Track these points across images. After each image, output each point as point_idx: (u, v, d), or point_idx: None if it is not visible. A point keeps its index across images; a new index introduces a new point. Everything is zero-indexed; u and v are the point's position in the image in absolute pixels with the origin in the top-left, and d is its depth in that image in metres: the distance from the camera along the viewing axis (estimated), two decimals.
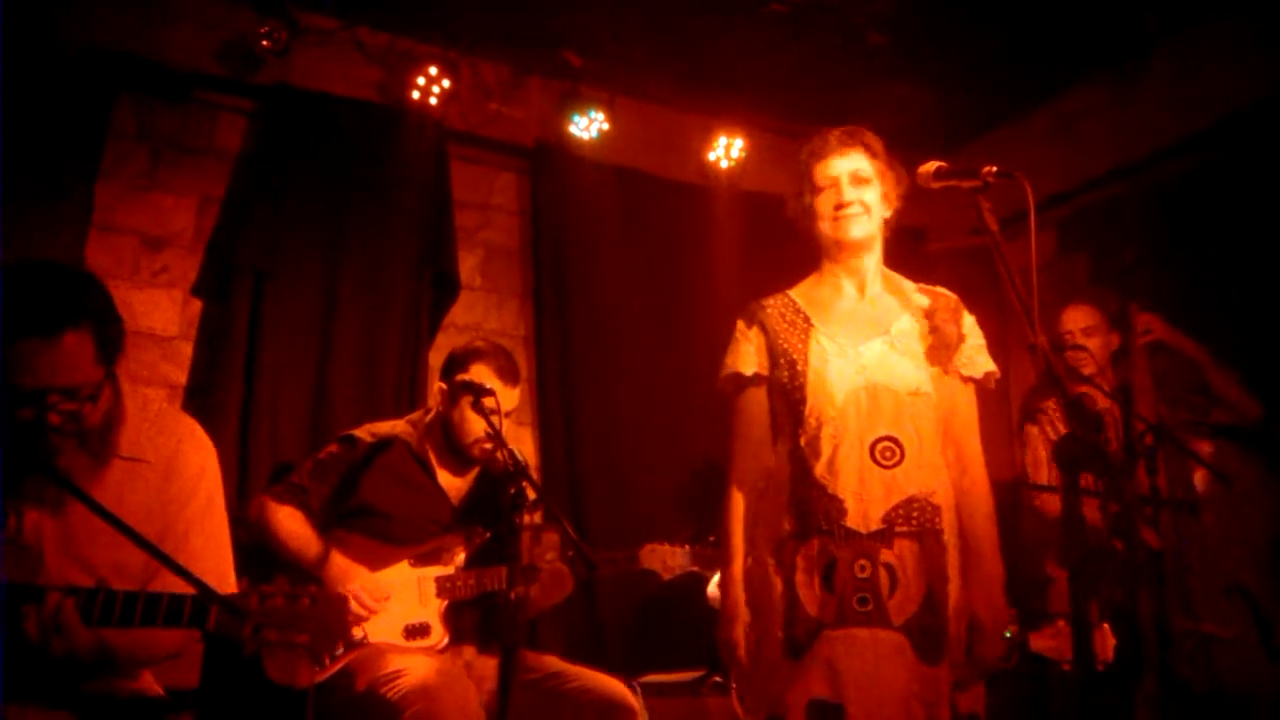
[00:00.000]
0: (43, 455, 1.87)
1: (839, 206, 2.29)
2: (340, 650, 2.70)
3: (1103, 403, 3.40)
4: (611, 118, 4.49)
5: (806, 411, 2.23)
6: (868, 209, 2.30)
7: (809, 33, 4.14)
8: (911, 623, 2.13)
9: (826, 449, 2.20)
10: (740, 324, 2.41)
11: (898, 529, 2.16)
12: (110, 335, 1.91)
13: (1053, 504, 3.39)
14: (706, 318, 4.48)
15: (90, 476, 1.95)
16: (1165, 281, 3.98)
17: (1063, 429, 3.42)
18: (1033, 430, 3.59)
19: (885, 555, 2.15)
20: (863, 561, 2.14)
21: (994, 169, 2.00)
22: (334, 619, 1.91)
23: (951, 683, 2.18)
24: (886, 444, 2.19)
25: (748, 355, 2.36)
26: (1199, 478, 3.29)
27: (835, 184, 2.30)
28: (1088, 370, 3.46)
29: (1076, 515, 1.72)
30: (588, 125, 4.46)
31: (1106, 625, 2.96)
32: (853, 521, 2.16)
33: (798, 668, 2.13)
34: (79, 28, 3.76)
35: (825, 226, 2.32)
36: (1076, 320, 3.53)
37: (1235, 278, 3.82)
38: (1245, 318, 3.72)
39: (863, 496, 2.16)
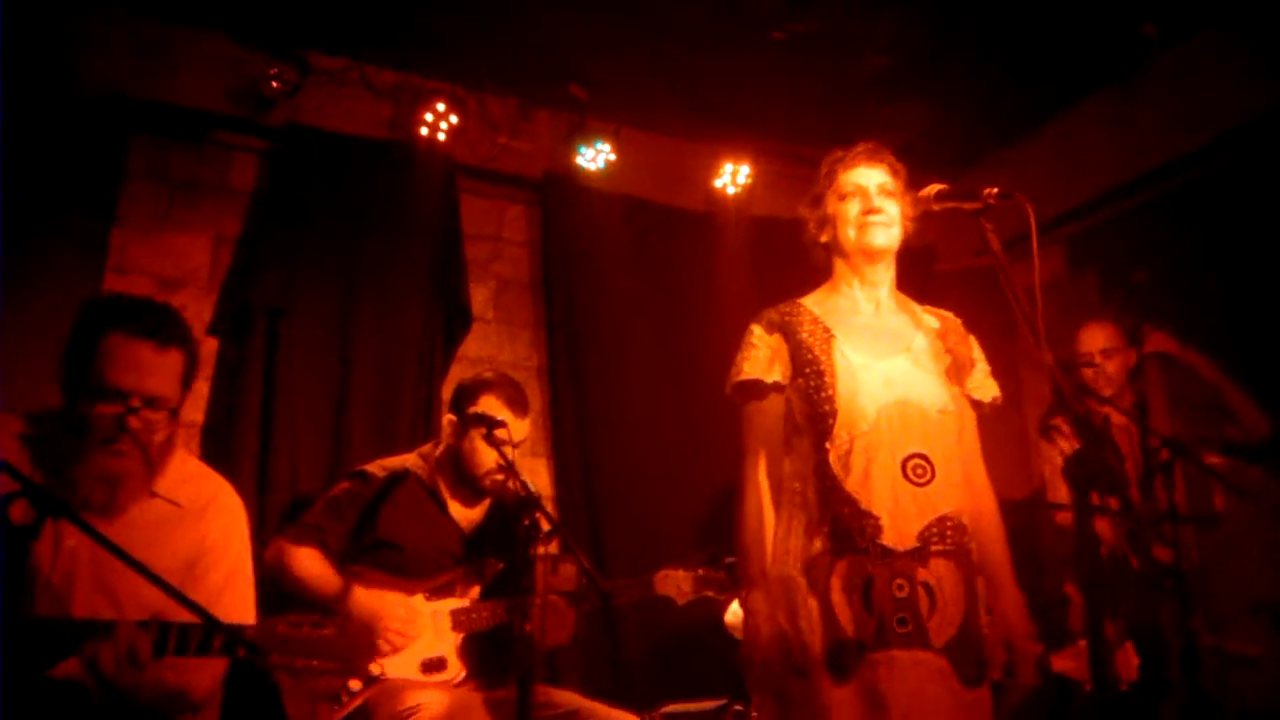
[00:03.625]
0: (110, 457, 1.96)
1: (867, 212, 2.27)
2: (358, 687, 2.70)
3: (1119, 420, 3.39)
4: (618, 148, 4.52)
5: (837, 425, 2.15)
6: (892, 221, 2.29)
7: (812, 58, 4.17)
8: (953, 644, 2.08)
9: (859, 464, 2.12)
10: (758, 330, 2.33)
11: (933, 547, 2.10)
12: (191, 369, 2.08)
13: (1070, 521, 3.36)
14: (717, 344, 4.48)
15: (130, 503, 2.02)
16: (1175, 296, 3.96)
17: (1073, 446, 3.40)
18: (1048, 446, 3.57)
19: (922, 574, 2.08)
20: (900, 580, 2.08)
21: (995, 190, 2.01)
22: (361, 647, 1.94)
23: (993, 706, 2.14)
24: (918, 461, 2.13)
25: (768, 362, 2.27)
26: (1218, 495, 3.27)
27: (863, 191, 2.29)
28: (1108, 391, 3.44)
29: (1089, 533, 1.71)
30: (595, 156, 4.50)
31: (1130, 644, 2.93)
32: (888, 539, 2.09)
33: (840, 691, 2.05)
34: (94, 71, 3.83)
35: (849, 232, 2.28)
36: (1096, 340, 3.51)
37: (1245, 290, 3.80)
38: (1255, 331, 3.70)
39: (897, 514, 2.10)
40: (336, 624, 1.91)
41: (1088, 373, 3.49)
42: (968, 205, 2.06)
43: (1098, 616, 1.69)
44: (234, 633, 1.88)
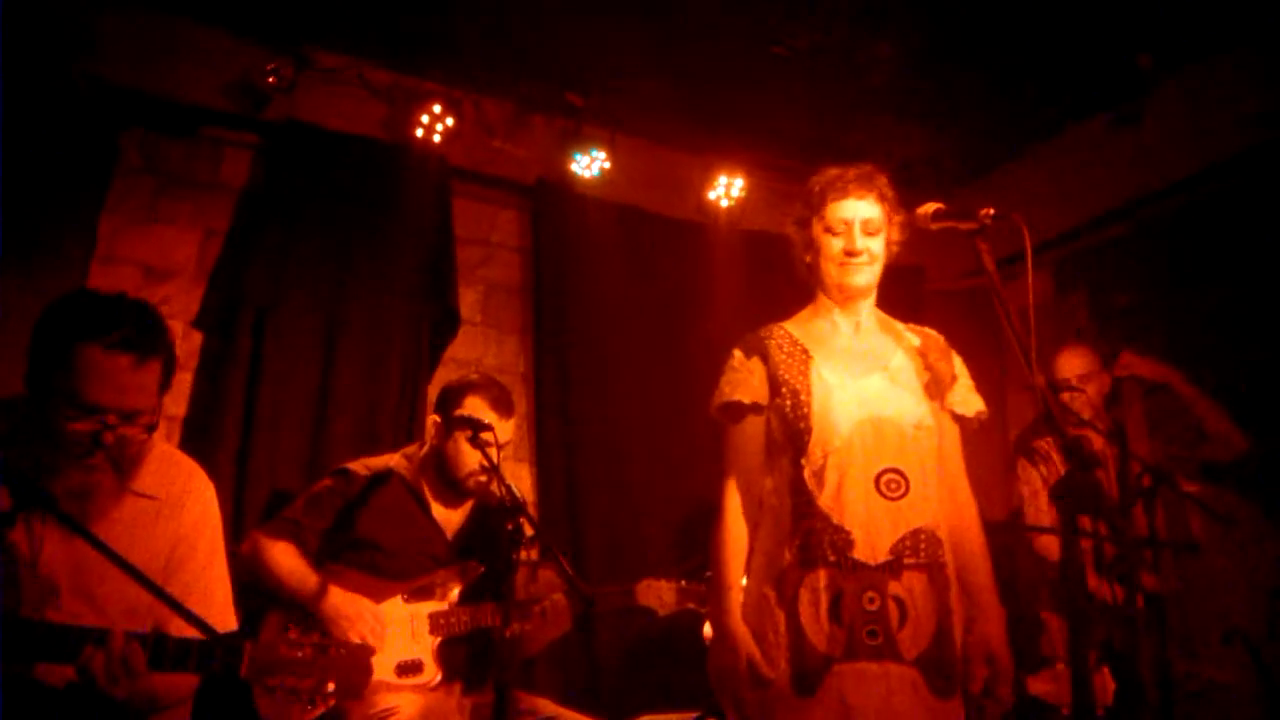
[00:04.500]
0: (80, 473, 1.88)
1: (850, 254, 2.31)
2: (333, 688, 2.67)
3: (1098, 444, 3.41)
4: (613, 156, 4.53)
5: (811, 443, 2.21)
6: (874, 259, 2.33)
7: (810, 73, 4.19)
8: (925, 656, 2.11)
9: (832, 480, 2.18)
10: (738, 354, 2.40)
11: (906, 561, 2.14)
12: (170, 375, 1.97)
13: (1050, 546, 3.38)
14: (705, 355, 4.48)
15: (107, 509, 1.96)
16: (1162, 320, 4.00)
17: (1059, 468, 3.42)
18: (1028, 467, 3.58)
19: (894, 587, 2.13)
20: (871, 593, 2.12)
21: (991, 211, 2.02)
22: (361, 669, 1.93)
23: (965, 717, 2.16)
24: (892, 476, 2.18)
25: (747, 384, 2.34)
26: (1196, 520, 3.29)
27: (848, 229, 2.31)
28: (1086, 415, 3.47)
29: (1076, 558, 1.71)
30: (589, 164, 4.50)
31: (1106, 669, 2.94)
32: (860, 553, 2.14)
33: (806, 704, 2.10)
34: (88, 63, 3.80)
35: (831, 269, 2.34)
36: (1073, 366, 3.54)
37: (1230, 316, 3.84)
38: (1240, 355, 3.74)
39: (869, 528, 2.15)
40: (339, 644, 1.90)
41: (1066, 397, 3.51)
42: (964, 225, 2.07)
43: (1081, 641, 1.69)
44: (236, 649, 1.83)
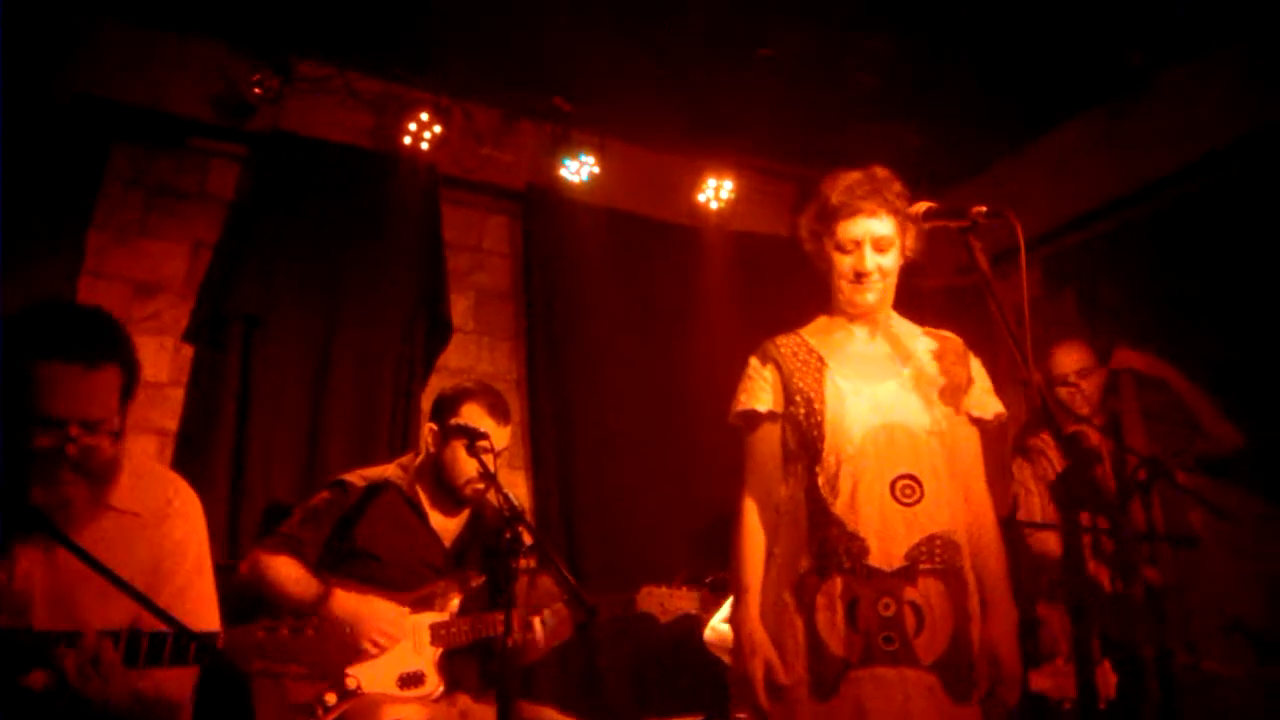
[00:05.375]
0: (51, 488, 1.87)
1: (860, 275, 2.30)
2: (334, 701, 2.66)
3: (1095, 439, 3.41)
4: (602, 161, 4.53)
5: (825, 450, 2.23)
6: (885, 275, 2.33)
7: (799, 75, 4.20)
8: (942, 661, 2.12)
9: (846, 487, 2.19)
10: (754, 362, 2.42)
11: (922, 566, 2.15)
12: (132, 380, 1.95)
13: (1047, 542, 3.38)
14: (698, 357, 4.50)
15: (84, 523, 1.94)
16: (1151, 315, 4.01)
17: (1057, 465, 3.43)
18: (1024, 465, 3.58)
19: (910, 593, 2.14)
20: (886, 599, 2.13)
21: (983, 209, 2.03)
22: (338, 648, 1.90)
23: None
24: (906, 482, 2.19)
25: (763, 392, 2.36)
26: (1194, 513, 3.29)
27: (858, 247, 2.30)
28: (1084, 410, 3.47)
29: (1077, 554, 1.71)
30: (578, 168, 4.50)
31: (1108, 663, 2.94)
32: (875, 560, 2.14)
33: (824, 709, 2.11)
34: (74, 76, 3.79)
35: (843, 285, 2.34)
36: (1071, 361, 3.54)
37: (1221, 311, 3.86)
38: (1231, 349, 3.75)
39: (884, 534, 2.15)
40: (314, 625, 1.88)
41: (1064, 393, 3.51)
42: (955, 224, 2.07)
43: (1085, 636, 1.69)
44: (210, 640, 1.83)
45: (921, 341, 2.41)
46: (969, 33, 3.89)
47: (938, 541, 2.17)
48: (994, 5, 3.71)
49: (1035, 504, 3.47)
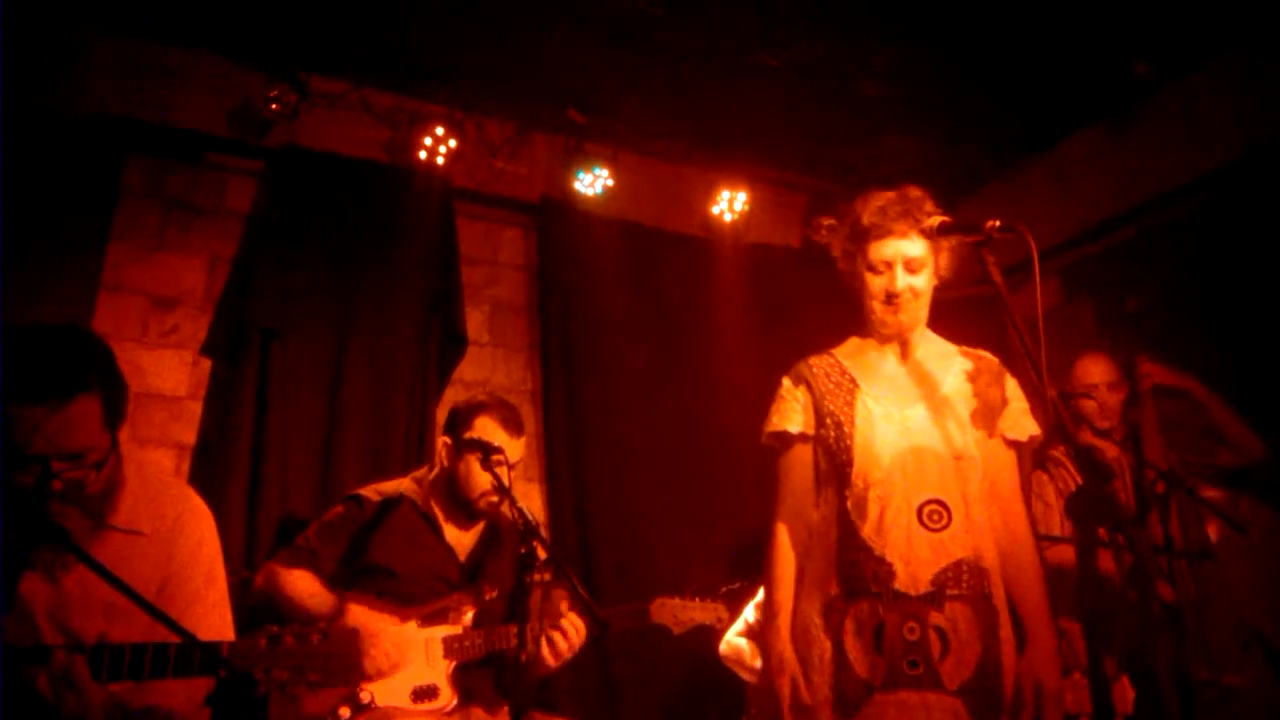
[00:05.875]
0: (43, 522, 1.83)
1: (891, 296, 2.28)
2: (348, 715, 2.67)
3: (1113, 453, 3.39)
4: (615, 173, 4.54)
5: (853, 473, 2.22)
6: (917, 295, 2.30)
7: (810, 87, 4.20)
8: (968, 686, 2.10)
9: (874, 511, 2.19)
10: (786, 383, 2.42)
11: (949, 592, 2.14)
12: (117, 401, 1.90)
13: (1064, 555, 3.35)
14: (712, 369, 4.51)
15: (86, 546, 1.89)
16: (1169, 325, 3.98)
17: (1074, 478, 3.40)
18: (1042, 478, 3.56)
19: (935, 618, 2.13)
20: (912, 624, 2.12)
21: (997, 223, 2.02)
22: (345, 655, 1.88)
23: None
24: (934, 507, 2.18)
25: (794, 414, 2.36)
26: (1213, 526, 3.26)
27: (890, 268, 2.28)
28: (1105, 424, 3.44)
29: (1093, 569, 1.70)
30: (592, 181, 4.52)
31: (1125, 678, 2.91)
32: (901, 584, 2.14)
33: None
34: (91, 92, 3.84)
35: (876, 306, 2.32)
36: (1097, 373, 3.50)
37: (1238, 319, 3.82)
38: (1249, 359, 3.71)
39: (911, 559, 2.15)
40: (320, 631, 1.86)
41: (1088, 405, 3.47)
42: (969, 238, 2.07)
43: (1099, 650, 1.68)
44: (212, 649, 1.80)
45: (957, 362, 2.38)
46: (979, 45, 3.89)
47: (964, 567, 2.16)
48: (1003, 18, 3.71)
49: (1054, 518, 3.44)
